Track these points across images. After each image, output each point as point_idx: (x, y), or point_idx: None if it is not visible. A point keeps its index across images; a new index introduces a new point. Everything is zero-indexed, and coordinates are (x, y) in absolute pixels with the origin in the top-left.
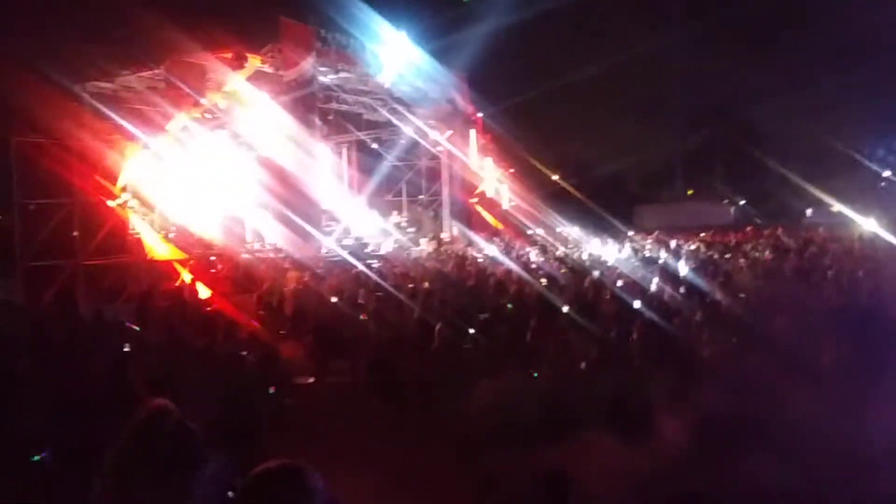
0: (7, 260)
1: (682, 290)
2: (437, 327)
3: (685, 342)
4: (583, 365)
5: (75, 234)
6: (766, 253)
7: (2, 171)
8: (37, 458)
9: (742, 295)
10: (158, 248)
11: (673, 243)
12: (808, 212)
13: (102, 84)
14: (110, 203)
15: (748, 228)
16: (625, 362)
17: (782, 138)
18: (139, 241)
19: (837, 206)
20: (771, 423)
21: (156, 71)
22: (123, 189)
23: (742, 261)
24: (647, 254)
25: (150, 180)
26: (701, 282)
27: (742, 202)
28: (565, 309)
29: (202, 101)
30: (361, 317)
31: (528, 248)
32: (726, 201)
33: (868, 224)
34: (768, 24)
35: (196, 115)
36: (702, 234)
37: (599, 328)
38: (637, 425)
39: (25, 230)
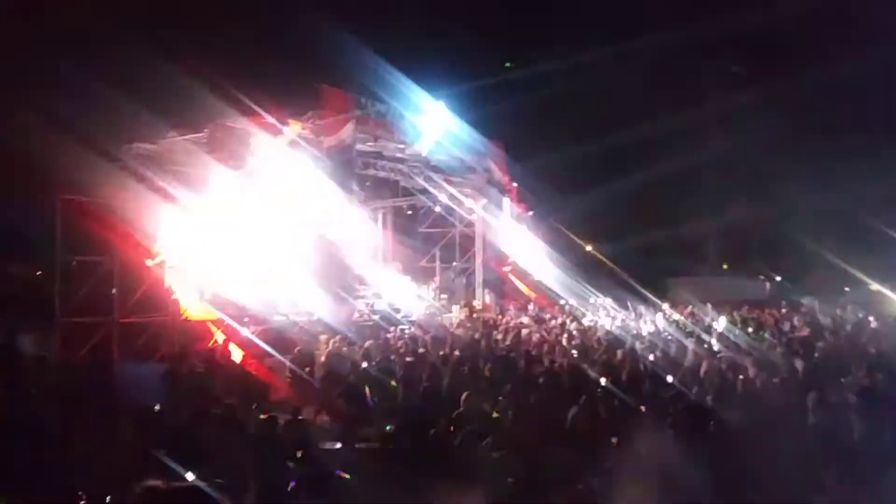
0: (45, 315)
1: (716, 365)
2: (464, 395)
3: (719, 419)
4: (614, 439)
5: (113, 291)
6: (803, 330)
7: (45, 228)
8: None
9: (774, 377)
10: (193, 309)
11: (707, 318)
12: (846, 290)
13: (146, 145)
14: (148, 262)
15: (783, 305)
16: (659, 436)
17: (819, 215)
18: (175, 301)
19: (876, 285)
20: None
21: (199, 134)
22: (162, 248)
23: (778, 337)
24: (682, 327)
25: (188, 241)
26: (735, 359)
27: (778, 278)
28: (602, 381)
29: (242, 164)
30: (392, 382)
31: (560, 318)
32: (762, 277)
33: None
34: (805, 100)
35: (236, 178)
36: (735, 311)
37: (633, 401)
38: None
39: (65, 286)
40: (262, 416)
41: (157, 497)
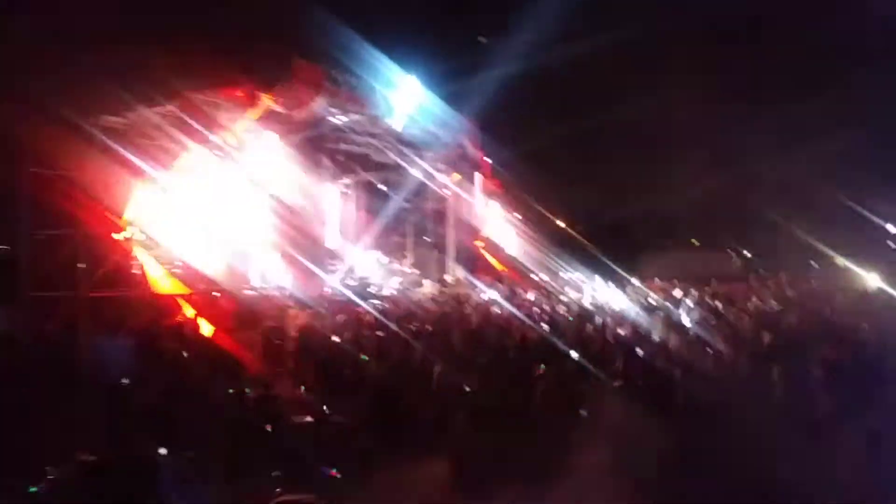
0: (12, 290)
1: (685, 339)
2: (437, 370)
3: (687, 391)
4: (583, 412)
5: (81, 266)
6: (770, 304)
7: (11, 202)
8: (33, 489)
9: (743, 349)
10: (162, 283)
11: (677, 292)
12: (813, 264)
13: (114, 119)
14: (116, 236)
15: (752, 279)
16: (627, 409)
17: (789, 190)
18: (143, 276)
19: (841, 260)
20: (767, 475)
21: (167, 107)
22: (130, 223)
23: (745, 312)
24: (651, 302)
25: (157, 215)
26: (704, 332)
27: (746, 253)
28: (573, 354)
29: (212, 138)
30: (363, 357)
31: (531, 293)
32: (731, 252)
33: (872, 279)
34: (777, 77)
35: (205, 151)
36: (706, 285)
37: (602, 374)
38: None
39: (31, 261)
40: (232, 391)
41: (95, 470)
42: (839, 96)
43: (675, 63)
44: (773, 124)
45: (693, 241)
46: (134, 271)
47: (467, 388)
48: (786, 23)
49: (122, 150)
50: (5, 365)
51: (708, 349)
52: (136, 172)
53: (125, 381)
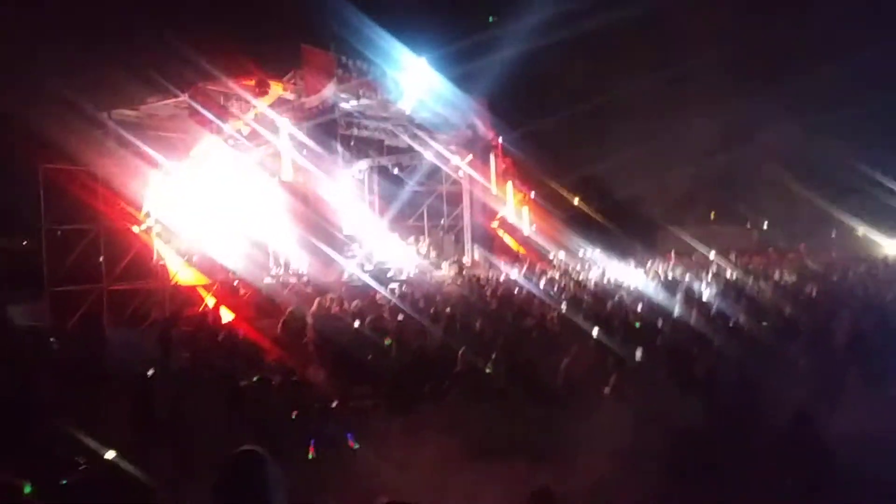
0: (34, 285)
1: (705, 314)
2: (461, 351)
3: (708, 367)
4: (606, 390)
5: (101, 259)
6: (790, 277)
7: (30, 196)
8: (64, 482)
9: (765, 322)
10: (182, 274)
11: (695, 267)
12: (833, 234)
13: (127, 111)
14: (135, 229)
15: (771, 251)
16: (649, 385)
17: (806, 160)
18: (163, 267)
19: (862, 229)
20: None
21: (180, 98)
22: (148, 215)
23: (764, 284)
24: (670, 277)
25: (174, 206)
26: (724, 306)
27: (765, 225)
28: (594, 332)
29: (225, 127)
30: (387, 341)
31: (550, 272)
32: (749, 224)
33: (892, 247)
34: (792, 48)
35: (219, 141)
36: (724, 258)
37: (623, 351)
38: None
39: (52, 255)
40: (255, 379)
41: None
42: (852, 64)
43: (687, 35)
44: (787, 93)
45: (711, 213)
46: (154, 263)
47: (488, 370)
48: None
49: (137, 142)
50: (32, 359)
51: (729, 322)
52: (152, 164)
53: (150, 371)
